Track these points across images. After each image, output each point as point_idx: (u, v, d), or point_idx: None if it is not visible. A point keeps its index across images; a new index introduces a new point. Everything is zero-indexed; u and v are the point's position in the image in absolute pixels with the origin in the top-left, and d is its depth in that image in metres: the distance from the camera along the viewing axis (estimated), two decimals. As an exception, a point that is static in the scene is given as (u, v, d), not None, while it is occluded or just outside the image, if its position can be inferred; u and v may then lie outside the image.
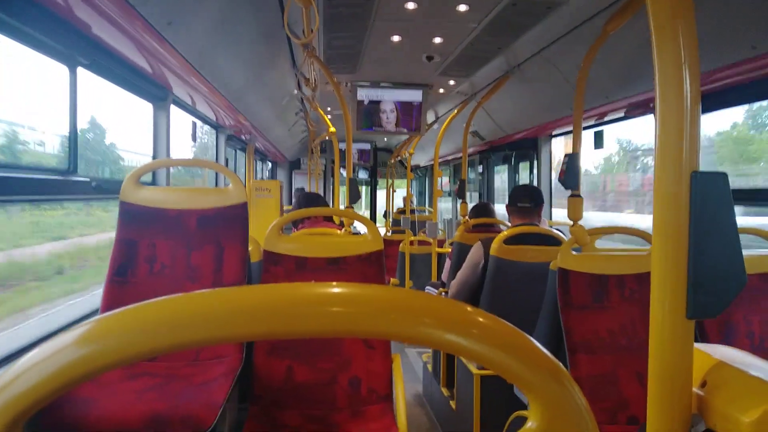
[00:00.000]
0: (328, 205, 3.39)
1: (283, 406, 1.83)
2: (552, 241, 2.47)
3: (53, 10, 1.78)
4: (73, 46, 1.99)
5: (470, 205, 3.87)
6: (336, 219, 3.54)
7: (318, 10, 2.18)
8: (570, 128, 2.60)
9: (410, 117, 4.39)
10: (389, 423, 1.72)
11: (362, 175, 10.32)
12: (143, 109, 2.93)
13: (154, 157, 3.02)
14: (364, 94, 4.31)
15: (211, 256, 1.95)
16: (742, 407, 0.66)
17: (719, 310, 0.70)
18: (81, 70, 2.11)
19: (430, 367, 3.49)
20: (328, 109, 5.61)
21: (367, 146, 9.34)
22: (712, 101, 2.55)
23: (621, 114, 3.29)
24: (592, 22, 2.49)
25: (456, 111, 4.59)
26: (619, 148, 5.28)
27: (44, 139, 2.69)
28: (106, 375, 1.62)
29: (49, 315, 2.49)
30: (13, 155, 2.45)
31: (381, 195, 10.47)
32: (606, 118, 3.57)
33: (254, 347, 1.88)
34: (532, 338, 0.39)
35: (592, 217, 5.19)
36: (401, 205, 8.53)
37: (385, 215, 9.09)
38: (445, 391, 3.04)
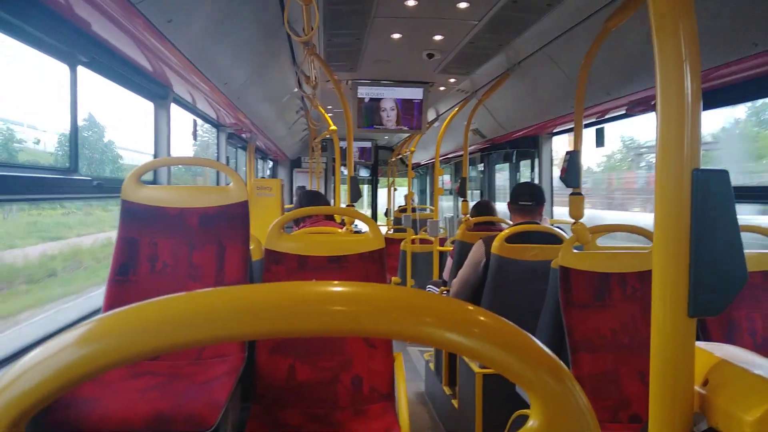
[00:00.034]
0: (329, 204, 3.39)
1: (285, 404, 1.83)
2: (553, 239, 2.47)
3: (53, 9, 1.78)
4: (74, 44, 1.99)
5: (471, 204, 3.87)
6: (337, 217, 3.54)
7: (318, 8, 2.18)
8: (571, 126, 2.60)
9: (411, 115, 4.39)
10: (391, 422, 1.72)
11: (363, 173, 10.31)
12: (142, 106, 2.92)
13: (155, 156, 3.02)
14: (365, 92, 4.30)
15: (212, 255, 1.95)
16: (745, 406, 0.66)
17: (721, 309, 0.70)
18: (80, 69, 2.11)
19: (432, 365, 3.49)
20: (329, 107, 5.60)
21: (368, 144, 9.34)
22: (714, 98, 2.54)
23: (622, 111, 3.29)
24: (593, 18, 2.49)
25: (457, 109, 4.59)
26: (622, 145, 5.27)
27: (40, 137, 2.66)
28: (109, 374, 1.62)
29: (34, 322, 2.39)
30: (8, 153, 2.41)
31: (382, 193, 10.47)
32: (607, 116, 3.57)
33: (257, 346, 1.88)
34: (533, 337, 0.39)
35: (598, 215, 5.16)
36: (402, 203, 8.53)
37: (387, 214, 9.09)
38: (447, 390, 3.04)
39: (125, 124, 3.61)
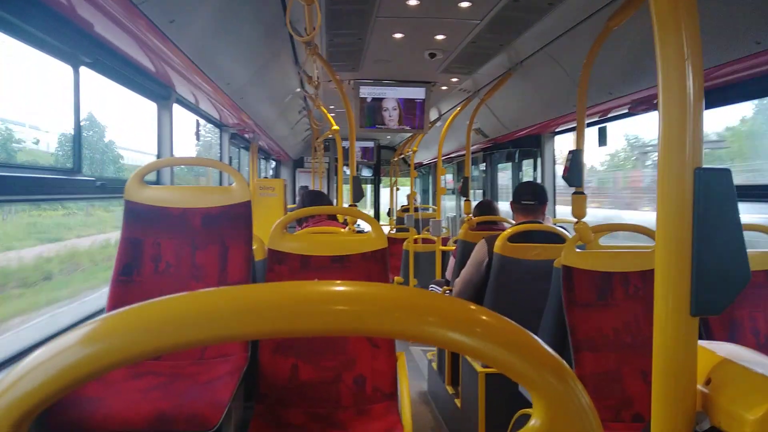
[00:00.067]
0: (331, 204, 3.39)
1: (288, 404, 1.83)
2: (556, 238, 2.46)
3: (56, 10, 1.78)
4: (76, 45, 1.99)
5: (474, 203, 3.87)
6: (340, 217, 3.54)
7: (320, 8, 2.18)
8: (573, 125, 2.61)
9: (413, 114, 4.39)
10: (394, 421, 1.72)
11: (366, 173, 10.31)
12: (142, 106, 2.92)
13: (158, 156, 3.03)
14: (367, 92, 4.30)
15: (215, 255, 1.95)
16: (747, 405, 0.66)
17: (723, 307, 0.70)
18: (83, 70, 2.12)
19: (434, 365, 3.49)
20: (331, 107, 5.61)
21: (370, 144, 9.34)
22: (717, 97, 2.53)
23: (625, 110, 3.28)
24: (595, 17, 2.49)
25: (459, 108, 4.59)
26: (627, 144, 5.24)
27: (41, 137, 2.65)
28: (112, 374, 1.63)
29: (25, 328, 2.27)
30: (6, 153, 2.38)
31: (384, 193, 10.47)
32: (610, 115, 3.56)
33: (259, 346, 1.88)
34: (535, 336, 0.39)
35: (614, 215, 5.12)
36: (405, 203, 8.53)
37: (389, 213, 9.09)
38: (449, 389, 3.04)
39: (125, 124, 3.60)
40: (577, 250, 1.91)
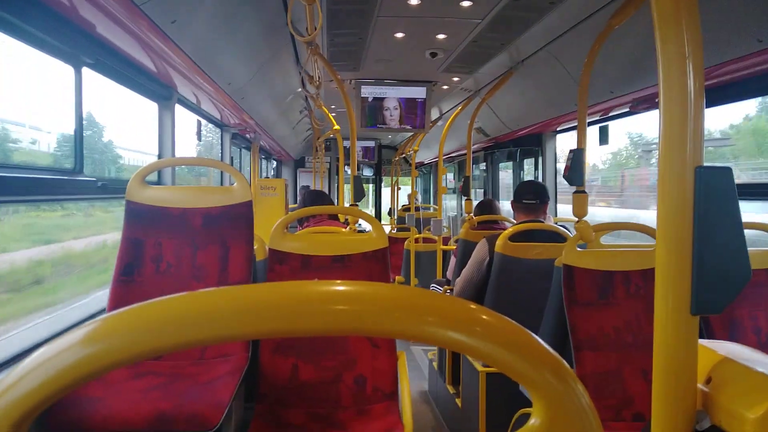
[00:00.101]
0: (333, 203, 3.39)
1: (288, 404, 1.83)
2: (557, 237, 2.46)
3: (57, 10, 1.79)
4: (78, 46, 2.00)
5: (475, 202, 3.86)
6: (341, 217, 3.54)
7: (321, 8, 2.18)
8: (575, 124, 2.61)
9: (414, 114, 4.39)
10: (394, 421, 1.72)
11: (367, 172, 10.31)
12: (143, 106, 2.91)
13: (159, 157, 3.03)
14: (368, 92, 4.31)
15: (216, 255, 1.96)
16: (747, 403, 0.65)
17: (723, 306, 0.70)
18: (84, 70, 2.12)
19: (435, 364, 3.49)
20: (332, 106, 5.61)
21: (371, 144, 9.35)
22: (718, 95, 2.53)
23: (626, 109, 3.28)
24: (596, 16, 2.48)
25: (460, 107, 4.58)
26: (630, 142, 5.22)
27: (39, 137, 2.62)
28: (112, 374, 1.63)
29: (9, 337, 2.10)
30: (2, 153, 2.35)
31: (386, 192, 10.47)
32: (611, 114, 3.56)
33: (260, 346, 1.88)
34: (535, 336, 0.39)
35: (613, 215, 5.08)
36: (406, 202, 8.53)
37: (390, 213, 9.09)
38: (450, 389, 3.04)
39: (124, 123, 3.58)
40: (578, 249, 1.91)
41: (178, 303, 0.36)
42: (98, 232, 3.34)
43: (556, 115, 3.93)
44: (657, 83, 0.74)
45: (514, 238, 2.44)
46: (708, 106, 2.65)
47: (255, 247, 2.08)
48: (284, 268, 1.99)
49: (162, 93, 2.92)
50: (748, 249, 0.70)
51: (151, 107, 2.98)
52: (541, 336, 2.10)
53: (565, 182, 2.22)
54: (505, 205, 4.60)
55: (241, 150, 5.89)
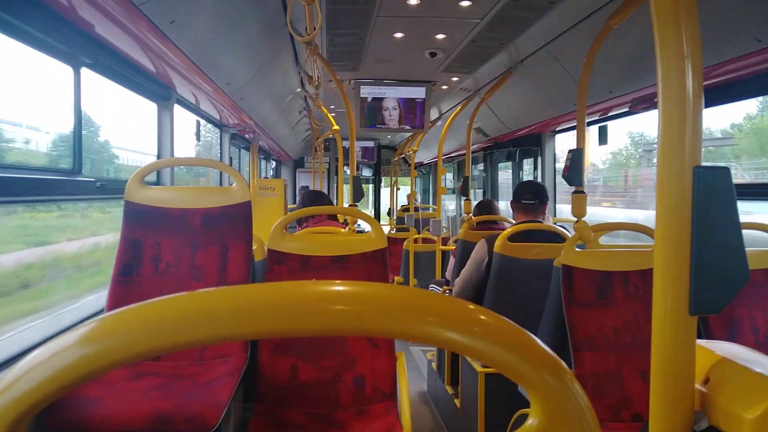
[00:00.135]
0: (332, 204, 3.39)
1: (287, 404, 1.83)
2: (556, 238, 2.46)
3: (56, 10, 1.78)
4: (77, 46, 2.00)
5: (474, 203, 3.87)
6: (340, 217, 3.54)
7: (320, 8, 2.18)
8: (574, 124, 2.61)
9: (413, 114, 4.39)
10: (393, 421, 1.72)
11: (366, 173, 10.32)
12: (142, 106, 2.89)
13: (158, 157, 3.03)
14: (368, 92, 4.30)
15: (215, 255, 1.96)
16: (745, 404, 0.66)
17: (721, 307, 0.70)
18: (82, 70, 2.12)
19: (434, 365, 3.49)
20: (332, 107, 5.61)
21: (370, 144, 9.35)
22: (718, 95, 2.53)
23: (625, 109, 3.28)
24: (595, 16, 2.48)
25: (459, 108, 4.59)
26: (631, 141, 5.21)
27: (35, 137, 2.60)
28: (111, 374, 1.63)
29: None
30: None
31: (385, 193, 10.47)
32: (610, 113, 3.56)
33: (259, 346, 1.88)
34: (533, 336, 0.39)
35: (623, 215, 5.05)
36: (405, 202, 8.53)
37: (389, 213, 9.09)
38: (449, 389, 3.04)
39: (123, 123, 3.56)
40: (577, 249, 1.91)
41: (176, 303, 0.36)
42: (93, 234, 3.28)
43: (555, 115, 3.93)
44: (656, 83, 0.74)
45: (513, 238, 2.44)
46: (707, 106, 2.65)
47: (254, 248, 2.08)
48: (283, 269, 1.99)
49: (161, 93, 2.92)
50: (747, 249, 0.70)
51: (150, 107, 2.98)
52: (540, 336, 2.09)
53: (566, 182, 2.22)
54: (504, 206, 4.60)
55: (240, 150, 5.89)
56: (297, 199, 8.24)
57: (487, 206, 3.73)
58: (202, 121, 4.03)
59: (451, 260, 3.48)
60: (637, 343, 1.80)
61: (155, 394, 1.57)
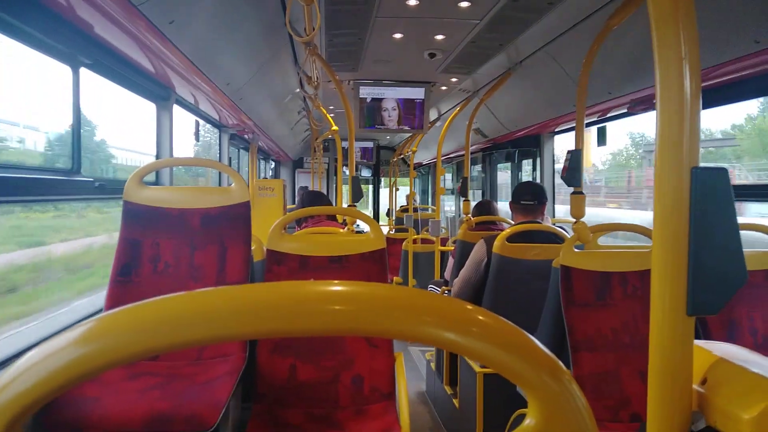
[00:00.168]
0: (331, 204, 3.39)
1: (286, 404, 1.83)
2: (555, 238, 2.46)
3: (56, 11, 1.78)
4: (76, 46, 1.99)
5: (473, 203, 3.87)
6: (339, 217, 3.54)
7: (319, 8, 2.18)
8: (573, 125, 2.61)
9: (413, 115, 4.39)
10: (392, 421, 1.72)
11: (365, 173, 10.32)
12: (140, 105, 2.88)
13: (157, 157, 3.03)
14: (367, 92, 4.31)
15: (214, 256, 1.96)
16: (743, 404, 0.66)
17: (719, 307, 0.70)
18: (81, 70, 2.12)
19: (433, 365, 3.49)
20: (331, 107, 5.61)
21: (369, 144, 9.35)
22: (716, 96, 2.53)
23: (624, 110, 3.28)
24: (594, 17, 2.49)
25: (458, 108, 4.59)
26: (632, 142, 5.21)
27: (29, 137, 2.58)
28: (109, 374, 1.63)
29: None
30: None
31: (384, 193, 10.47)
32: (609, 114, 3.56)
33: (258, 346, 1.88)
34: (531, 336, 0.39)
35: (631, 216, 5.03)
36: (404, 203, 8.53)
37: (388, 213, 9.10)
38: (448, 389, 3.04)
39: (121, 123, 3.54)
40: (576, 250, 1.91)
41: (174, 303, 0.36)
42: (89, 234, 3.20)
43: (554, 116, 3.93)
44: (654, 84, 0.74)
45: (512, 239, 2.44)
46: (705, 107, 2.66)
47: (253, 248, 2.08)
48: (282, 269, 1.99)
49: (160, 93, 2.92)
50: (745, 250, 0.70)
51: (149, 108, 2.98)
52: (538, 337, 2.09)
53: (565, 183, 2.22)
54: (503, 206, 4.60)
55: (239, 150, 5.88)
56: (296, 199, 8.24)
57: (486, 207, 3.73)
58: (201, 122, 4.03)
59: (450, 261, 3.48)
60: (636, 343, 1.80)
61: (153, 394, 1.57)
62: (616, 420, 1.74)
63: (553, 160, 4.84)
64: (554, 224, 2.78)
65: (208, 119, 4.18)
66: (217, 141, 4.73)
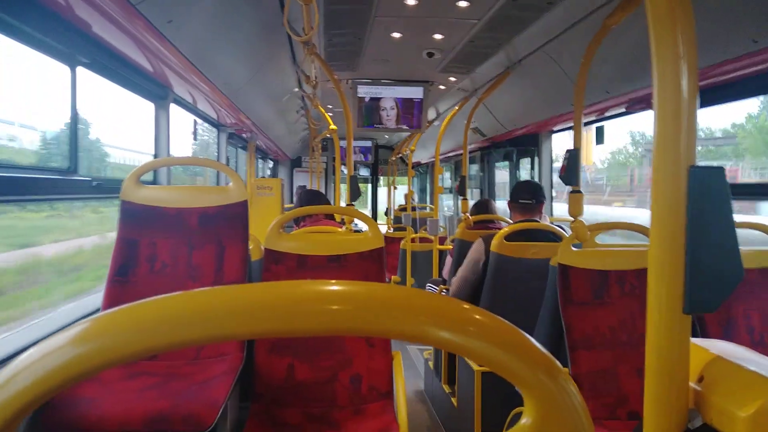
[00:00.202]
0: (329, 203, 3.39)
1: (284, 404, 1.83)
2: (553, 237, 2.47)
3: (54, 10, 1.78)
4: (74, 45, 1.99)
5: (471, 202, 3.87)
6: (337, 217, 3.54)
7: (318, 7, 2.18)
8: (571, 124, 2.61)
9: (411, 114, 4.39)
10: (390, 420, 1.73)
11: (363, 172, 10.32)
12: (137, 104, 2.87)
13: (155, 156, 3.03)
14: (365, 92, 4.31)
15: (212, 255, 1.95)
16: (739, 402, 0.66)
17: (716, 306, 0.70)
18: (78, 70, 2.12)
19: (431, 363, 3.50)
20: (329, 106, 5.60)
21: (368, 144, 9.35)
22: (714, 96, 2.54)
23: (622, 109, 3.29)
24: (593, 17, 2.49)
25: (457, 107, 4.59)
26: (632, 140, 5.20)
27: (24, 136, 2.55)
28: (107, 374, 1.63)
29: None
30: None
31: (382, 192, 10.47)
32: (607, 114, 3.57)
33: (255, 345, 1.88)
34: (528, 335, 0.39)
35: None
36: (403, 202, 8.53)
37: (387, 213, 9.09)
38: (446, 388, 3.04)
39: (119, 122, 3.52)
40: (574, 248, 1.92)
41: (171, 302, 0.36)
42: (82, 234, 3.14)
43: (552, 115, 3.94)
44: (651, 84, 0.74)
45: (510, 237, 2.44)
46: (704, 106, 2.67)
47: (251, 247, 2.08)
48: (280, 268, 1.99)
49: (158, 92, 2.92)
50: (743, 248, 0.70)
51: (147, 106, 2.97)
52: (536, 335, 2.10)
53: (563, 182, 2.22)
54: (502, 205, 4.60)
55: (237, 150, 5.88)
56: (294, 198, 8.23)
57: (484, 206, 3.74)
58: (199, 121, 4.03)
59: (448, 259, 3.48)
60: (633, 341, 1.81)
61: (151, 393, 1.57)
62: (613, 418, 1.74)
63: (551, 159, 4.84)
64: (552, 223, 2.78)
65: (206, 118, 4.18)
66: (215, 140, 4.73)
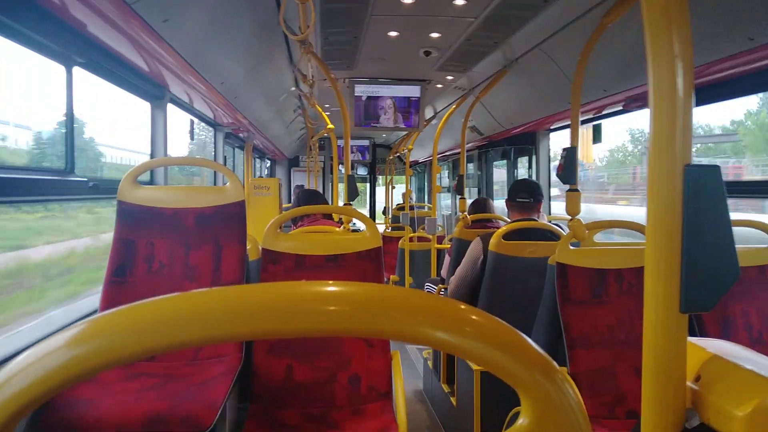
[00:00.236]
0: (327, 203, 3.39)
1: (282, 405, 1.83)
2: (551, 236, 2.47)
3: (49, 9, 1.77)
4: (69, 45, 1.98)
5: (469, 201, 3.87)
6: (335, 216, 3.54)
7: (314, 6, 2.18)
8: (569, 122, 2.61)
9: (408, 113, 4.39)
10: (389, 420, 1.73)
11: (361, 171, 10.31)
12: (133, 103, 2.86)
13: (151, 156, 3.02)
14: (362, 90, 4.30)
15: (209, 255, 1.95)
16: (736, 401, 0.66)
17: (712, 304, 0.70)
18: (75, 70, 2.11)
19: (430, 363, 3.50)
20: (326, 105, 5.60)
21: (365, 143, 9.35)
22: (710, 94, 2.54)
23: (619, 107, 3.29)
24: (590, 15, 2.49)
25: (454, 106, 4.59)
26: (631, 138, 5.20)
27: (7, 133, 2.52)
28: (105, 375, 1.62)
29: None
30: None
31: (380, 191, 10.47)
32: (604, 112, 3.57)
33: (254, 346, 1.88)
34: (525, 336, 0.39)
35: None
36: (400, 201, 8.53)
37: (385, 212, 9.10)
38: (445, 388, 3.05)
39: (115, 122, 3.50)
40: (572, 247, 1.92)
41: (169, 303, 0.36)
42: (75, 236, 3.08)
43: (549, 113, 3.94)
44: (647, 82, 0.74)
45: (508, 236, 2.44)
46: (701, 104, 2.67)
47: (248, 247, 2.08)
48: (278, 268, 1.99)
49: (154, 92, 2.91)
50: (740, 246, 0.70)
51: (143, 106, 2.96)
52: (534, 334, 2.10)
53: (560, 181, 2.22)
54: (499, 204, 4.61)
55: (234, 149, 5.87)
56: (291, 198, 8.22)
57: (482, 204, 3.74)
58: (196, 120, 4.02)
59: (447, 259, 3.48)
60: (631, 340, 1.81)
61: (149, 394, 1.57)
62: (612, 416, 1.74)
63: (549, 158, 4.85)
64: (550, 221, 2.78)
65: (202, 118, 4.17)
66: (212, 140, 4.72)
